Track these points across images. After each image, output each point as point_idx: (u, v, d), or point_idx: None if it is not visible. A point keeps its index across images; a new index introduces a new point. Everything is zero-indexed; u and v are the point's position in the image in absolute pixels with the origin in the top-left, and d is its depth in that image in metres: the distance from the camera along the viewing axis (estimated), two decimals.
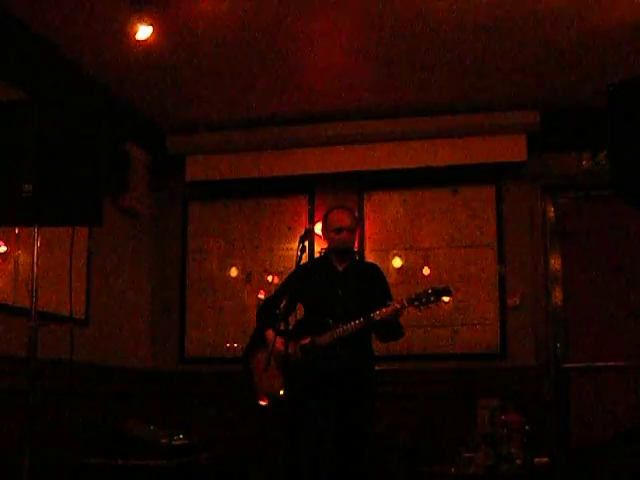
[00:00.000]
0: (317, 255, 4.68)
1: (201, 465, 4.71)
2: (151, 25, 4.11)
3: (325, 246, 4.30)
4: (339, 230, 4.13)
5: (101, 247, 5.15)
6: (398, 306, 3.86)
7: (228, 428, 5.28)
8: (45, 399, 3.42)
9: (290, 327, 3.87)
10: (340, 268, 4.18)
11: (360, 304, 3.95)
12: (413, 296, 3.89)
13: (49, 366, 3.63)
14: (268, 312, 4.11)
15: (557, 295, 5.52)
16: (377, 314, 3.86)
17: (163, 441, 4.48)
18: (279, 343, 3.82)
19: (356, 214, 4.33)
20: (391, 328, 3.99)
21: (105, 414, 4.87)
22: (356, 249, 4.57)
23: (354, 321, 3.88)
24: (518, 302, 5.40)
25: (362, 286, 4.10)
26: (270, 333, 3.93)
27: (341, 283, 4.11)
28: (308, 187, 5.78)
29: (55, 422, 4.23)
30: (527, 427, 4.83)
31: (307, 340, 3.97)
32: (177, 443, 4.57)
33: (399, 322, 3.98)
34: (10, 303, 4.18)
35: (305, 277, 4.14)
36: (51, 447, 4.13)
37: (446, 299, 4.09)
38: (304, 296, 4.13)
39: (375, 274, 4.32)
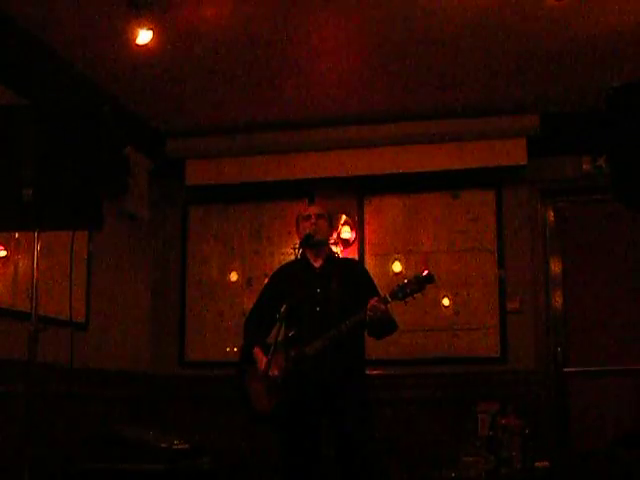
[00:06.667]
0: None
1: (201, 470, 4.69)
2: (151, 30, 4.11)
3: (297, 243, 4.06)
4: (307, 217, 4.02)
5: (101, 251, 5.14)
6: (382, 307, 3.67)
7: (228, 432, 5.27)
8: (45, 403, 3.42)
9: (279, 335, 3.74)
10: (317, 265, 4.01)
11: (341, 304, 3.80)
12: (396, 289, 3.72)
13: (49, 370, 3.63)
14: (253, 326, 4.10)
15: (557, 299, 5.52)
16: (347, 323, 3.71)
17: (163, 445, 4.46)
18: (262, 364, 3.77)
19: (329, 211, 4.16)
20: (381, 326, 3.83)
21: (105, 418, 4.86)
22: (332, 245, 4.38)
23: (334, 329, 3.72)
24: (518, 306, 5.40)
25: (343, 284, 3.91)
26: (257, 352, 3.90)
27: (319, 282, 3.94)
28: (308, 192, 5.76)
29: (54, 426, 4.22)
30: (527, 431, 4.84)
31: (295, 351, 3.79)
32: (177, 447, 4.55)
33: (389, 317, 3.83)
34: (10, 307, 4.18)
35: (282, 280, 4.08)
36: (50, 451, 4.13)
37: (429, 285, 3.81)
38: (284, 300, 3.85)
39: (356, 269, 4.21)
